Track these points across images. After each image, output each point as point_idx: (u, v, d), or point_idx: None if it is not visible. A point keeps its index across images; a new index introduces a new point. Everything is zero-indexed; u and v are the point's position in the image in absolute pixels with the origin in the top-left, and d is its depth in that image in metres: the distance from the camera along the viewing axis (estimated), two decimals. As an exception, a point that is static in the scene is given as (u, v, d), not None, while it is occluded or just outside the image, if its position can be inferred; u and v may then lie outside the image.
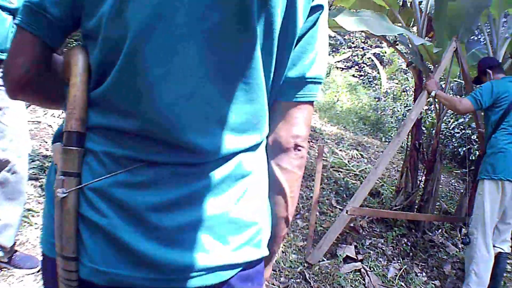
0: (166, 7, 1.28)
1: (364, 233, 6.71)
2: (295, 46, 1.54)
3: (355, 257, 5.89)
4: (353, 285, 5.23)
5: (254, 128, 1.51)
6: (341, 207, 6.47)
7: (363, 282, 5.29)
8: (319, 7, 1.55)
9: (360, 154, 10.62)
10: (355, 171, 9.14)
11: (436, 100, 6.23)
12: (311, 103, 1.63)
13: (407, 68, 12.01)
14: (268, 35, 1.41)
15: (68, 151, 1.35)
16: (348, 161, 9.86)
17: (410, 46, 7.11)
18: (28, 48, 1.39)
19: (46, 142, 7.07)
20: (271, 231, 1.64)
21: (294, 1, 1.44)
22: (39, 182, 5.82)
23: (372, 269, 5.70)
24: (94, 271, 1.35)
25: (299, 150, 1.60)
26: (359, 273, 5.53)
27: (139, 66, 1.31)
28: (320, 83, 1.63)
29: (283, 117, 1.60)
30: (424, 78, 7.11)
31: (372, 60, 17.27)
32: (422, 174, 7.26)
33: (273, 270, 5.08)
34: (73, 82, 1.36)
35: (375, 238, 6.58)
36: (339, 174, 8.73)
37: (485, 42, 7.13)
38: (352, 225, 6.67)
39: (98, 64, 1.37)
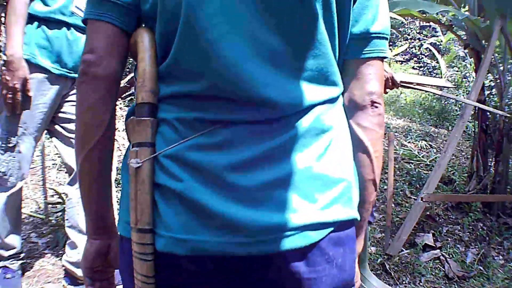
0: None
1: (440, 220, 6.64)
2: (354, 3, 1.51)
3: (434, 245, 5.84)
4: (433, 273, 5.21)
5: (327, 81, 1.49)
6: (415, 197, 6.44)
7: (443, 269, 5.26)
8: None
9: (429, 144, 10.47)
10: (425, 161, 9.04)
11: (498, 80, 6.15)
12: (380, 58, 1.61)
13: (465, 53, 11.83)
14: None
15: (141, 122, 1.38)
16: (418, 152, 9.73)
17: (466, 28, 7.01)
18: (102, 36, 1.40)
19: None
20: (359, 196, 1.57)
21: None
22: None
23: (451, 256, 5.66)
24: (172, 240, 1.33)
25: (376, 107, 1.57)
26: (438, 260, 5.50)
27: (198, 27, 1.32)
28: (386, 38, 1.61)
29: (354, 76, 1.58)
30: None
31: (430, 50, 17.07)
32: (492, 157, 7.15)
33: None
34: (141, 57, 1.39)
35: (451, 225, 6.51)
36: (410, 165, 8.65)
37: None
38: (428, 213, 6.61)
39: (161, 38, 1.40)
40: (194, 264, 1.34)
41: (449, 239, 6.08)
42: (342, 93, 1.60)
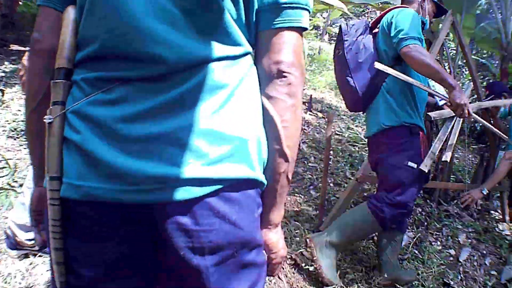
0: None
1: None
2: None
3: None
4: (365, 253, 5.30)
5: (224, 40, 1.54)
6: (351, 178, 6.53)
7: (376, 249, 5.34)
8: None
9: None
10: (365, 141, 9.05)
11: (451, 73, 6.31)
12: (295, 29, 1.61)
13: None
14: None
15: (56, 84, 1.55)
16: (364, 136, 9.75)
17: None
18: (46, 18, 1.62)
19: None
20: (269, 165, 1.64)
21: None
22: None
23: (386, 238, 5.70)
24: (69, 186, 1.46)
25: (284, 76, 1.57)
26: (371, 241, 5.60)
27: None
28: (301, 7, 1.61)
29: (265, 46, 1.61)
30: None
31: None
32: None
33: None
34: (63, 30, 1.57)
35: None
36: (355, 148, 8.79)
37: (494, 15, 7.17)
38: (365, 194, 6.73)
39: (78, 10, 1.57)
40: (88, 209, 1.46)
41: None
42: (256, 66, 1.66)
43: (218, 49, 1.52)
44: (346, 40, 4.51)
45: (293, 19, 1.60)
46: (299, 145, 8.82)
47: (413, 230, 6.04)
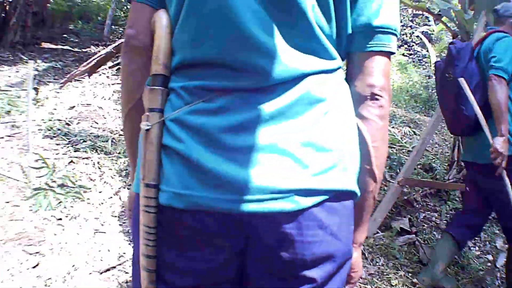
0: None
1: (417, 206, 6.70)
2: None
3: (409, 230, 5.90)
4: (407, 258, 5.25)
5: (319, 54, 1.55)
6: (392, 182, 6.49)
7: (417, 254, 5.30)
8: None
9: (413, 131, 10.48)
10: (408, 147, 9.06)
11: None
12: (385, 53, 1.66)
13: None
14: None
15: (153, 91, 1.54)
16: (401, 138, 9.79)
17: (456, 20, 7.05)
18: (140, 14, 1.64)
19: (97, 123, 7.35)
20: (358, 183, 1.62)
21: None
22: (91, 160, 6.06)
23: (426, 242, 5.70)
24: (172, 194, 1.45)
25: (376, 99, 1.62)
26: (413, 245, 5.53)
27: (198, 5, 1.48)
28: (391, 33, 1.65)
29: (358, 68, 1.65)
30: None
31: (421, 39, 17.11)
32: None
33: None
34: (158, 34, 1.57)
35: (428, 212, 6.57)
36: (392, 150, 8.72)
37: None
38: (406, 198, 6.67)
39: (173, 12, 1.57)
40: (191, 218, 1.45)
41: (425, 225, 6.14)
42: (349, 85, 1.67)
43: (315, 63, 1.54)
44: (457, 66, 4.48)
45: (384, 44, 1.64)
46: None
47: (454, 235, 5.99)
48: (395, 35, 1.67)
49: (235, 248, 1.50)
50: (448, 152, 8.79)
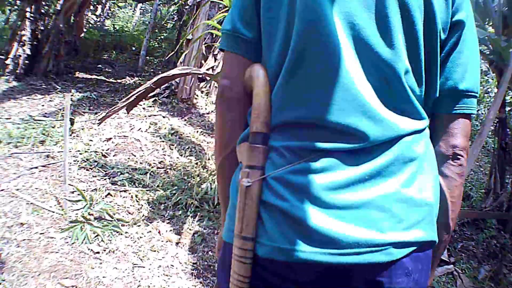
0: (319, 22, 1.56)
1: (455, 236, 6.66)
2: (446, 61, 1.76)
3: (448, 260, 5.85)
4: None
5: (412, 115, 1.69)
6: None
7: (455, 284, 5.29)
8: (461, 23, 1.74)
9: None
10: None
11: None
12: (467, 115, 1.79)
13: (487, 68, 11.83)
14: (411, 41, 1.64)
15: (254, 148, 1.63)
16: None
17: (491, 45, 7.02)
18: (235, 66, 1.75)
19: (135, 156, 7.41)
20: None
21: (434, 18, 1.66)
22: (128, 193, 6.09)
23: (463, 271, 5.67)
24: (274, 249, 1.56)
25: (458, 158, 1.75)
26: (451, 275, 5.51)
27: (304, 65, 1.60)
28: (474, 96, 1.79)
29: (442, 128, 1.79)
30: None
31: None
32: (510, 174, 7.16)
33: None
34: (257, 92, 1.65)
35: (466, 241, 6.53)
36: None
37: None
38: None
39: (272, 70, 1.69)
40: (288, 269, 1.57)
41: (463, 254, 6.10)
42: (433, 144, 1.80)
43: (409, 123, 1.66)
44: None
45: (468, 107, 1.78)
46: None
47: (489, 263, 5.94)
48: (476, 96, 1.81)
49: None
50: (483, 180, 8.74)
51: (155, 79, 5.33)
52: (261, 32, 1.73)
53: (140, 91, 5.09)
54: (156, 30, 19.07)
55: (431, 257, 1.73)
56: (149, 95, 8.81)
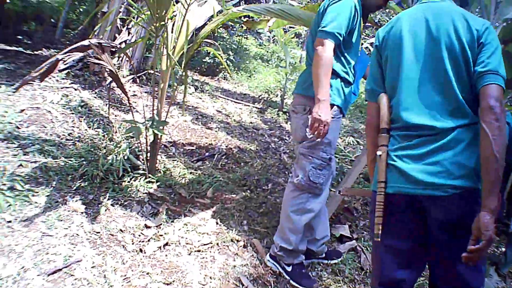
0: (412, 65, 3.13)
1: (357, 215, 6.88)
2: (479, 55, 2.95)
3: (351, 236, 6.08)
4: (345, 263, 5.38)
5: (459, 114, 2.98)
6: (334, 190, 6.60)
7: (358, 260, 5.52)
8: (483, 44, 2.96)
9: (356, 141, 10.87)
10: (351, 157, 9.35)
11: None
12: (495, 84, 2.83)
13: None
14: (456, 63, 2.99)
15: (382, 136, 3.22)
16: (344, 147, 10.10)
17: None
18: (375, 110, 3.32)
19: (45, 127, 7.41)
20: (483, 166, 2.77)
21: (463, 47, 2.98)
22: (38, 164, 6.14)
23: (366, 248, 5.85)
24: (389, 187, 3.08)
25: (491, 108, 2.75)
26: (354, 252, 5.73)
27: (400, 93, 3.14)
28: (496, 73, 2.86)
29: (482, 95, 2.86)
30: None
31: (370, 50, 17.30)
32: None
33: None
34: (383, 113, 3.24)
35: (368, 219, 6.63)
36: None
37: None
38: (346, 206, 6.81)
39: (389, 97, 3.29)
40: (395, 198, 3.06)
41: (365, 232, 6.27)
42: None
43: (458, 121, 2.97)
44: None
45: (492, 79, 2.86)
46: (280, 154, 9.07)
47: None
48: (500, 75, 2.88)
49: (416, 217, 3.06)
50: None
51: (67, 49, 5.36)
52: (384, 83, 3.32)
53: (52, 61, 5.11)
54: (76, 2, 18.83)
55: (473, 198, 2.87)
56: (62, 67, 8.80)
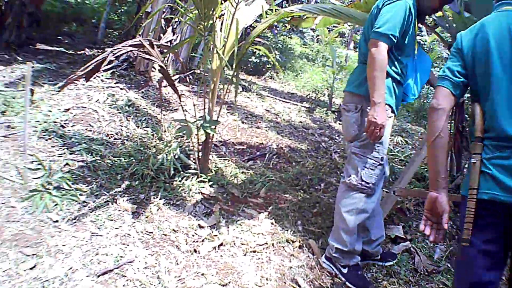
0: (500, 66, 3.05)
1: (410, 215, 6.72)
2: None
3: (404, 237, 5.94)
4: (400, 265, 5.25)
5: None
6: (387, 191, 6.50)
7: (412, 261, 5.36)
8: None
9: (405, 141, 10.66)
10: (400, 157, 9.16)
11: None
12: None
13: (448, 54, 11.95)
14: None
15: (476, 144, 3.09)
16: (393, 147, 9.92)
17: (449, 29, 7.06)
18: (447, 97, 3.23)
19: (92, 126, 7.41)
20: None
21: None
22: (86, 163, 6.12)
23: (420, 249, 5.71)
24: (482, 194, 2.98)
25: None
26: (407, 253, 5.57)
27: (492, 104, 3.07)
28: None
29: None
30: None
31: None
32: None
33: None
34: (477, 123, 3.13)
35: (421, 220, 6.53)
36: (386, 160, 8.74)
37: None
38: (399, 207, 6.68)
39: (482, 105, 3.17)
40: (489, 205, 2.96)
41: (418, 233, 6.11)
42: None
43: None
44: None
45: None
46: (331, 154, 8.86)
47: (445, 243, 5.98)
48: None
49: (508, 221, 2.95)
50: (440, 162, 8.78)
51: (113, 48, 5.31)
52: (466, 77, 3.26)
53: (98, 60, 5.06)
54: (117, 3, 18.92)
55: None
56: (107, 67, 8.77)
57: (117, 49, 5.28)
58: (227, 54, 6.26)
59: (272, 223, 5.68)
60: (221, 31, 6.37)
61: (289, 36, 22.44)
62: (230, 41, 6.28)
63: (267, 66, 16.71)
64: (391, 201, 5.83)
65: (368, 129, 4.39)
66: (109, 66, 9.77)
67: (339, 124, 11.17)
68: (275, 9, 6.40)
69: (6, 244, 4.31)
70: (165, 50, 7.15)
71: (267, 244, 5.18)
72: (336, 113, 12.13)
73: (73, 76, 5.12)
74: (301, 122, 11.17)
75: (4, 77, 9.32)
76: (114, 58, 5.28)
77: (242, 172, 7.20)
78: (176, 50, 9.55)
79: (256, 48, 6.72)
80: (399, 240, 5.89)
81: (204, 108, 6.34)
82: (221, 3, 5.92)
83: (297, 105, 12.92)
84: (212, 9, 5.62)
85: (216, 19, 5.88)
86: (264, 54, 8.53)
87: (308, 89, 15.19)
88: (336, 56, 14.09)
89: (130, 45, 5.48)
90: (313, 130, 10.58)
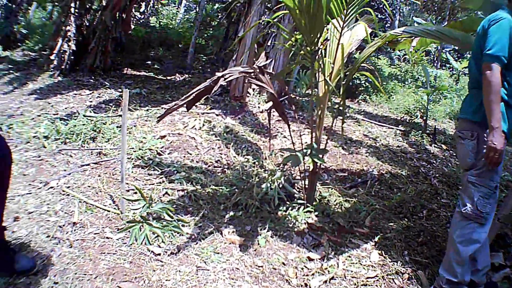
0: None
1: (509, 241, 6.44)
2: None
3: (505, 264, 5.71)
4: (503, 293, 5.07)
5: None
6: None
7: (512, 289, 5.14)
8: None
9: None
10: (504, 182, 8.86)
11: None
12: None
13: None
14: None
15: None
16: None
17: None
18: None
19: (190, 154, 7.40)
20: None
21: None
22: (186, 192, 6.06)
23: (522, 276, 5.48)
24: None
25: None
26: (507, 280, 5.39)
27: None
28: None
29: None
30: None
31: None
32: None
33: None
34: None
35: (524, 247, 6.34)
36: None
37: None
38: (498, 233, 6.47)
39: None
40: None
41: (518, 260, 5.88)
42: None
43: None
44: None
45: None
46: (430, 179, 8.67)
47: None
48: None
49: None
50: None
51: (215, 77, 5.22)
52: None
53: (200, 89, 5.00)
54: (202, 27, 19.08)
55: None
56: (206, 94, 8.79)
57: (228, 73, 5.23)
58: (333, 80, 6.13)
59: (379, 254, 5.51)
60: (325, 56, 6.25)
61: (377, 57, 22.38)
62: (336, 66, 6.16)
63: (359, 88, 16.58)
64: (496, 229, 5.65)
65: (488, 156, 4.28)
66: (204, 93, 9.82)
67: (435, 147, 10.97)
68: (377, 33, 6.35)
69: (102, 278, 4.23)
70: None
71: (377, 276, 5.02)
72: (431, 136, 11.89)
73: (173, 106, 5.04)
74: (398, 146, 11.07)
75: (91, 101, 9.49)
76: (215, 85, 5.20)
77: (346, 200, 7.04)
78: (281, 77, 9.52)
79: (361, 74, 6.66)
80: (500, 267, 5.67)
81: (312, 137, 6.16)
82: (326, 29, 5.83)
83: (392, 128, 12.81)
84: (318, 34, 5.49)
85: (321, 44, 5.75)
86: (365, 76, 8.47)
87: (401, 111, 15.09)
88: (429, 77, 13.92)
89: (240, 72, 5.41)
90: (411, 154, 10.48)
